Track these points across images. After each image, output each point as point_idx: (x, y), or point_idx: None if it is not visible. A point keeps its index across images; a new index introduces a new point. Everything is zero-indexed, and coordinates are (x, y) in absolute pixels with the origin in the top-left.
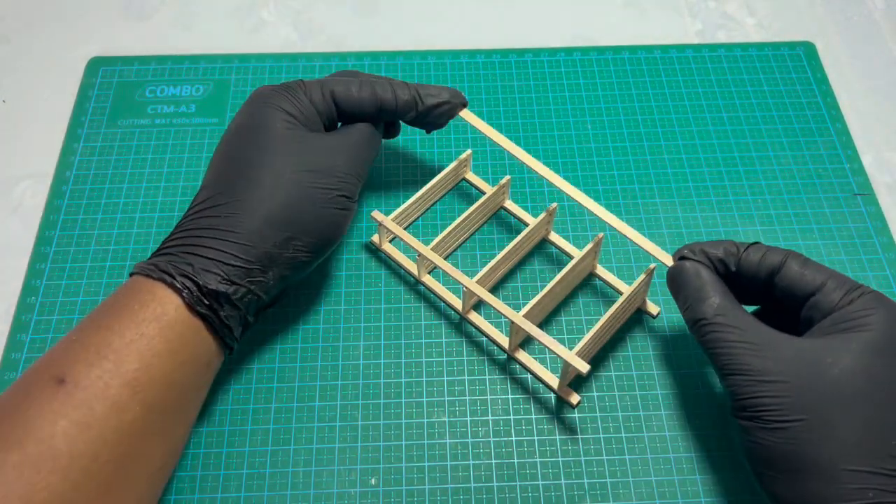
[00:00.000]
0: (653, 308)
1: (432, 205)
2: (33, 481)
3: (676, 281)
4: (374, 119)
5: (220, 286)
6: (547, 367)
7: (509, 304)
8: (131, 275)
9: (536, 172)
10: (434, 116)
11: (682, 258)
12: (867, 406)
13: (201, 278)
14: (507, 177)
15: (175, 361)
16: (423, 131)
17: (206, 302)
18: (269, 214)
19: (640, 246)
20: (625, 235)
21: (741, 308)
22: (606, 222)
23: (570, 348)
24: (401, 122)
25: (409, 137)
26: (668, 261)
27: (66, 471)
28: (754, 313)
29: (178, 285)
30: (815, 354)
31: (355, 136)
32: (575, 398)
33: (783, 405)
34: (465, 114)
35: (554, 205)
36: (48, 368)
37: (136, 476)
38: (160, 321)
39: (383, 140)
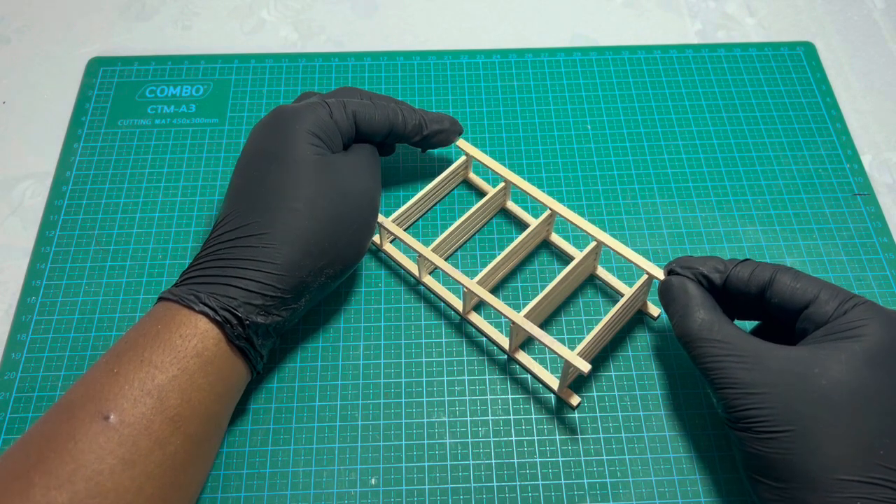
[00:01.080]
0: (653, 310)
1: (433, 206)
2: None
3: (665, 296)
4: (382, 140)
5: (259, 318)
6: (547, 368)
7: (510, 305)
8: (163, 299)
9: (539, 201)
10: (434, 141)
11: (672, 273)
12: (855, 415)
13: (243, 311)
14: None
15: (214, 393)
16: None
17: (245, 335)
18: (308, 245)
19: (631, 261)
20: (618, 253)
21: (728, 322)
22: (602, 241)
23: (571, 349)
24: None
25: None
26: (660, 274)
27: None
28: (754, 330)
29: (220, 320)
30: (804, 365)
31: (369, 157)
32: (575, 399)
33: (772, 416)
34: (463, 144)
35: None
36: (92, 403)
37: None
38: (202, 357)
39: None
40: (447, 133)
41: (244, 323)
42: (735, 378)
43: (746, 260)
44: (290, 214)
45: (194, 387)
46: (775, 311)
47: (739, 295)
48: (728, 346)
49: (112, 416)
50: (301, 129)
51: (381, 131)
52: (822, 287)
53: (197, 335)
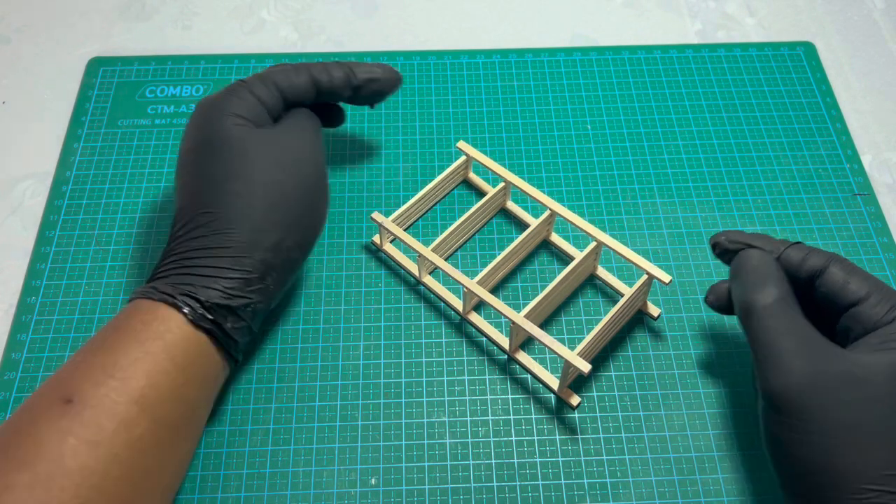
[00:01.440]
0: (653, 310)
1: (433, 206)
2: (45, 500)
3: (742, 265)
4: (316, 101)
5: (222, 300)
6: (547, 368)
7: (510, 305)
8: (130, 300)
9: (538, 201)
10: (370, 92)
11: (720, 244)
12: (894, 425)
13: (202, 294)
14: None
15: (183, 377)
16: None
17: (210, 317)
18: (255, 223)
19: (631, 261)
20: (618, 253)
21: (797, 308)
22: (602, 241)
23: (571, 349)
24: (343, 107)
25: (410, 137)
26: (660, 274)
27: (77, 488)
28: None
29: (180, 303)
30: (859, 371)
31: (303, 121)
32: (575, 399)
33: (815, 415)
34: (463, 145)
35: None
36: (55, 389)
37: (149, 492)
38: (164, 339)
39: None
40: (382, 82)
41: (205, 305)
42: (787, 364)
43: (798, 243)
44: (231, 197)
45: (159, 369)
46: (821, 300)
47: (788, 277)
48: (789, 331)
49: (74, 399)
50: (223, 113)
51: (309, 93)
52: (874, 287)
53: (157, 319)
